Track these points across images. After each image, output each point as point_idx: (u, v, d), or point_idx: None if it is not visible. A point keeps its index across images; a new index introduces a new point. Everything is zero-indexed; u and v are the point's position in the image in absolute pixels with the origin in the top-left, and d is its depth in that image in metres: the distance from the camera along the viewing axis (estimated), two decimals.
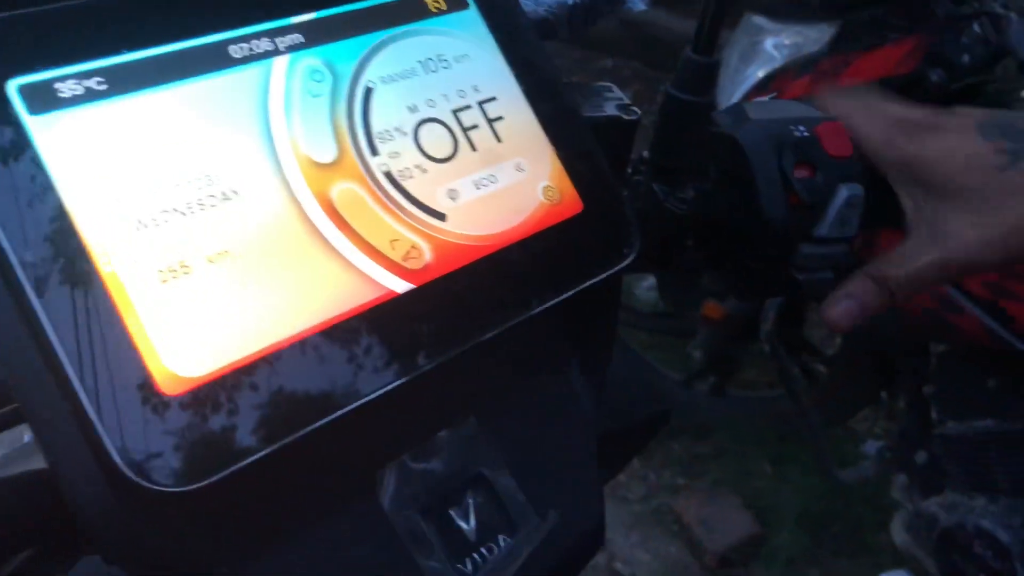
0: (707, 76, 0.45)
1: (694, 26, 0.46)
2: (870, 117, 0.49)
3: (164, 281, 0.29)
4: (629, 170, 0.51)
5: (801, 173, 0.46)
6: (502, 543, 0.38)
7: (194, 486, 0.27)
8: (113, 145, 0.30)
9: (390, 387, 0.32)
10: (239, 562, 0.32)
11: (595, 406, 0.43)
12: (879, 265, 0.50)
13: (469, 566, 0.36)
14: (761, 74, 1.31)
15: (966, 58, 1.15)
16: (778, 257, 0.48)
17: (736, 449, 2.03)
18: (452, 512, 0.37)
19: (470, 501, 0.38)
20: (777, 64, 1.27)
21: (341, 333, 0.32)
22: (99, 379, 0.27)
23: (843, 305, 0.50)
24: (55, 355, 0.27)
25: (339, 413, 0.31)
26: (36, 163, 0.28)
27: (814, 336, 2.03)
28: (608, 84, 0.54)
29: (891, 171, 0.49)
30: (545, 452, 0.40)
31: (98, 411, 0.27)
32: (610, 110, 0.50)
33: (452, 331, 0.34)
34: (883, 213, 0.50)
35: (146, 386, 0.28)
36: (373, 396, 0.32)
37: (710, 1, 0.44)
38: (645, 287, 2.28)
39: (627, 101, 0.52)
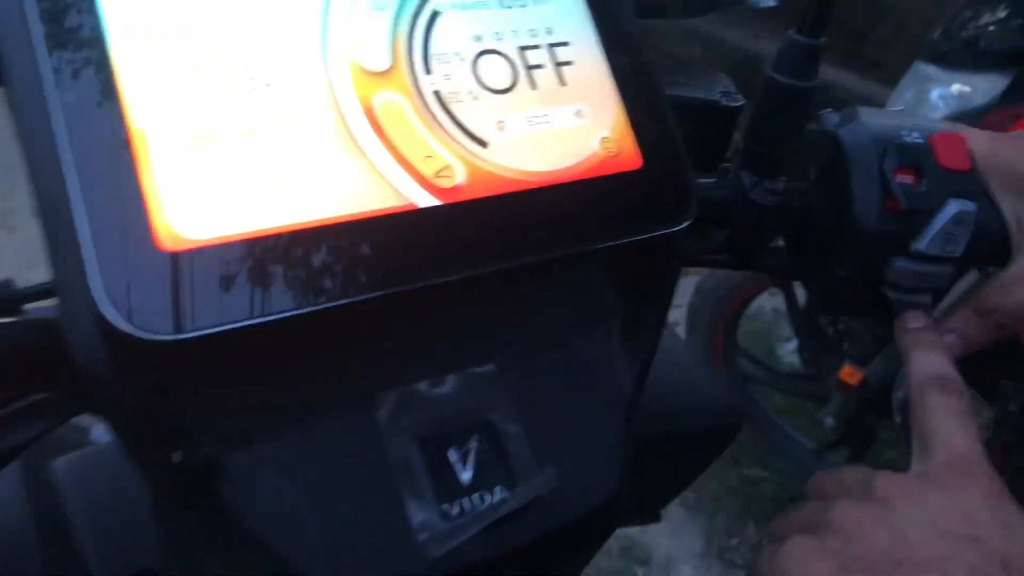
0: (811, 59, 0.42)
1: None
2: (977, 132, 0.45)
3: (187, 145, 0.30)
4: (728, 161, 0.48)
5: (903, 178, 0.42)
6: (498, 494, 0.36)
7: (162, 337, 0.28)
8: (170, 10, 0.31)
9: (390, 292, 0.32)
10: (223, 445, 0.32)
11: (635, 384, 0.41)
12: (984, 294, 0.44)
13: (456, 510, 0.35)
14: None
15: None
16: (868, 268, 0.44)
17: None
18: (452, 451, 0.36)
19: (472, 446, 0.36)
20: (941, 115, 1.19)
21: (352, 232, 0.32)
22: (104, 223, 0.28)
23: (945, 341, 0.45)
24: (66, 194, 0.28)
25: (328, 305, 0.30)
26: (92, 10, 0.30)
27: None
28: (720, 73, 0.51)
29: (995, 185, 0.44)
30: (565, 414, 0.38)
31: (95, 253, 0.28)
32: (710, 95, 0.48)
33: (469, 254, 0.33)
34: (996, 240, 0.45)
35: (144, 237, 0.29)
36: (369, 297, 0.31)
37: None
38: (789, 350, 2.18)
39: (732, 89, 0.50)
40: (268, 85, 0.32)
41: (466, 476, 0.36)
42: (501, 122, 0.36)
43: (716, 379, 0.55)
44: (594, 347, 0.40)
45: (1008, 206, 0.44)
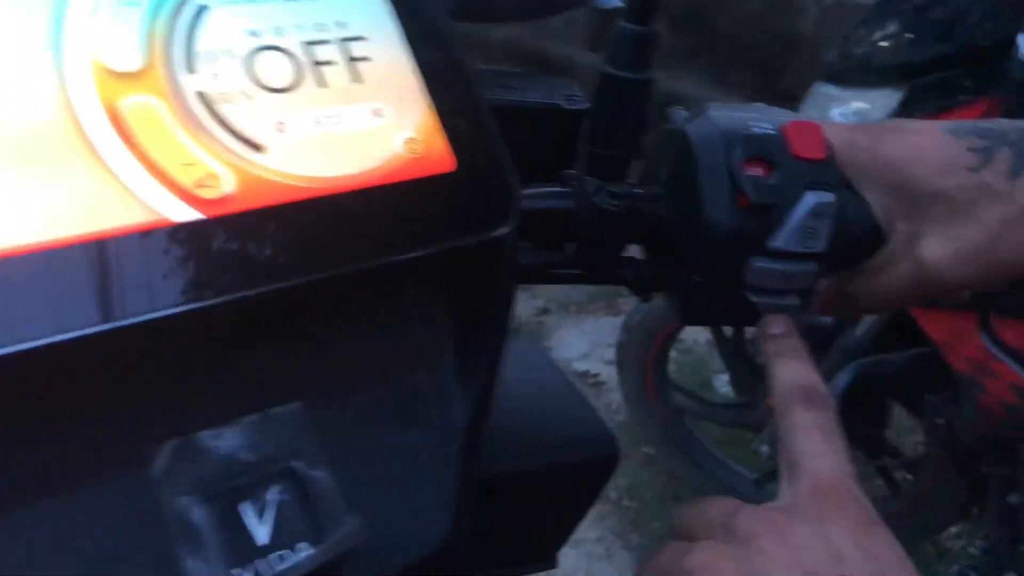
0: (644, 49, 0.39)
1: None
2: (834, 123, 0.42)
3: None
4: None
5: (753, 171, 0.39)
6: (302, 552, 0.31)
7: None
8: None
9: (137, 321, 0.27)
10: None
11: (473, 415, 0.36)
12: (845, 278, 0.42)
13: (249, 573, 0.30)
14: None
15: None
16: (725, 271, 0.40)
17: None
18: (245, 507, 0.31)
19: (271, 498, 0.31)
20: None
21: (84, 254, 0.27)
22: None
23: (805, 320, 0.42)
24: None
25: (56, 339, 0.25)
26: None
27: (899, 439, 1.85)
28: (567, 81, 0.48)
29: (857, 176, 0.41)
30: (386, 454, 0.34)
31: None
32: (552, 99, 0.45)
33: (242, 273, 0.29)
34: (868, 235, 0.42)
35: None
36: (108, 328, 0.26)
37: None
38: (725, 380, 2.16)
39: (577, 93, 0.46)
40: None
41: (262, 534, 0.31)
42: (281, 124, 0.31)
43: (592, 409, 0.51)
44: (420, 376, 0.35)
45: (873, 196, 0.42)
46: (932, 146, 0.40)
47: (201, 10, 0.32)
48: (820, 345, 1.38)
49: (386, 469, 0.34)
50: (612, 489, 1.88)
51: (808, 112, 1.29)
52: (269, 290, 0.29)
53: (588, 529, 1.78)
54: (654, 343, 1.75)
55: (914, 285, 0.40)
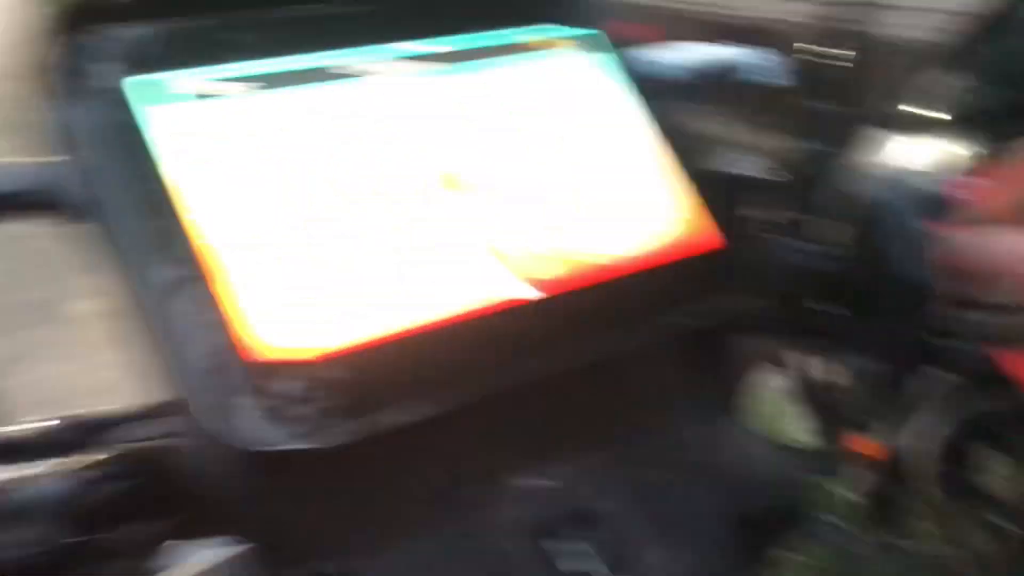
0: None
1: None
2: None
3: (265, 260, 0.30)
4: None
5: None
6: None
7: (316, 446, 0.28)
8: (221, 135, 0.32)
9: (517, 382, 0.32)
10: (354, 555, 0.31)
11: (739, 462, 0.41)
12: None
13: None
14: None
15: None
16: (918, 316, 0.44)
17: None
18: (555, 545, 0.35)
19: (580, 536, 0.35)
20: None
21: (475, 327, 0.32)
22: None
23: None
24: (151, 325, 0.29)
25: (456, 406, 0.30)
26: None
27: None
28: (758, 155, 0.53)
29: None
30: (674, 499, 0.38)
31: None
32: (755, 171, 0.50)
33: (581, 343, 0.34)
34: None
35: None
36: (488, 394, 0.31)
37: None
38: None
39: (775, 166, 0.51)
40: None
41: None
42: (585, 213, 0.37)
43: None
44: (696, 428, 0.40)
45: None
46: None
47: None
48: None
49: (671, 509, 0.38)
50: None
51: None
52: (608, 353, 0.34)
53: None
54: None
55: None
